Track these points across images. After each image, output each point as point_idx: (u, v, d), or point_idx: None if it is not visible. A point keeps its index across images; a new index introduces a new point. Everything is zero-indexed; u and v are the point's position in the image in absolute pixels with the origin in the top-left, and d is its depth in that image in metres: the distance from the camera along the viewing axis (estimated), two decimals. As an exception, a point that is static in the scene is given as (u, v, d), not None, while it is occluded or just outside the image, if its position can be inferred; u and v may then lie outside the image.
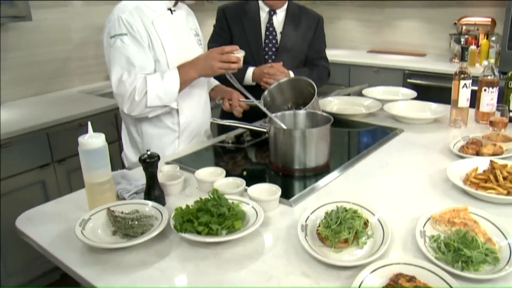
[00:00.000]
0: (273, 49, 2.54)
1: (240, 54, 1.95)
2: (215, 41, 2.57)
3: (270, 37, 2.54)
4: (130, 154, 2.13)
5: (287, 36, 2.54)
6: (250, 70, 2.49)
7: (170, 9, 2.03)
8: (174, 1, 2.03)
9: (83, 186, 1.51)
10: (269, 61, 2.53)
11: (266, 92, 2.14)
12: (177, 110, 2.04)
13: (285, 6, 2.57)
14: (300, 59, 2.61)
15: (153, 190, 1.49)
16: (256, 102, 1.97)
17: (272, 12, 2.55)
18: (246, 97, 2.03)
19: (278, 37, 2.54)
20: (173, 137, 2.08)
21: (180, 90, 1.94)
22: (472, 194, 1.53)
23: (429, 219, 1.33)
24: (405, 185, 1.65)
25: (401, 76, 4.41)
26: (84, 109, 3.12)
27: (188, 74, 1.94)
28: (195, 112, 2.12)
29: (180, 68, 1.95)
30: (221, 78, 2.22)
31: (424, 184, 1.65)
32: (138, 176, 1.66)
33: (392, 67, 4.47)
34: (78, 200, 1.58)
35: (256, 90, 2.32)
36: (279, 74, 2.36)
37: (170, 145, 2.09)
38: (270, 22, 2.54)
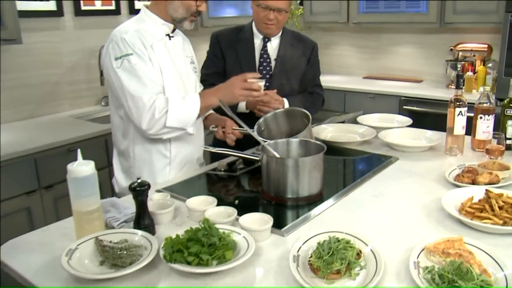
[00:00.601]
0: (267, 76, 2.57)
1: (261, 82, 2.03)
2: (208, 67, 2.61)
3: (264, 63, 2.57)
4: (121, 180, 2.15)
5: (281, 62, 2.58)
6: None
7: (168, 35, 2.07)
8: (172, 27, 2.08)
9: (70, 214, 1.51)
10: (263, 88, 2.54)
11: (261, 120, 2.17)
12: (170, 139, 2.06)
13: (280, 33, 2.61)
14: (294, 86, 2.64)
15: (143, 219, 1.50)
16: (249, 130, 1.99)
17: (266, 39, 2.59)
18: (240, 125, 2.05)
19: (273, 64, 2.58)
20: (164, 163, 2.10)
21: (199, 115, 2.00)
22: (468, 224, 1.55)
23: (423, 249, 1.35)
24: (399, 215, 1.66)
25: (397, 103, 4.45)
26: (73, 134, 3.14)
27: (209, 99, 2.00)
28: (187, 139, 2.14)
29: (202, 93, 2.01)
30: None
31: (418, 214, 1.67)
32: (128, 204, 1.67)
33: (388, 93, 4.51)
34: (65, 228, 1.58)
35: (249, 118, 2.34)
36: (273, 102, 2.39)
37: (161, 171, 2.10)
38: (264, 48, 2.58)
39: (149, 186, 1.49)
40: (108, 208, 1.65)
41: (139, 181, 1.49)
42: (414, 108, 4.34)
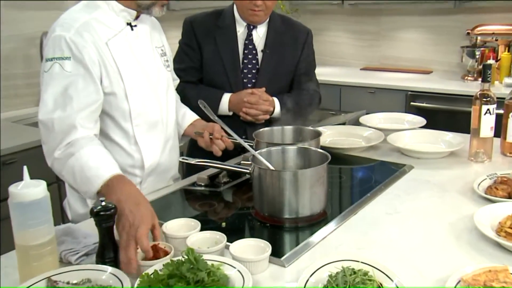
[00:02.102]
0: (253, 71, 2.56)
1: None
2: (181, 61, 2.58)
3: (250, 56, 2.56)
4: (75, 203, 2.07)
5: (269, 54, 2.57)
6: (226, 97, 2.51)
7: (130, 24, 1.99)
8: (135, 14, 1.99)
9: (12, 248, 1.46)
10: (249, 85, 2.55)
11: (260, 131, 2.18)
12: (140, 151, 2.01)
13: (267, 19, 2.59)
14: (285, 83, 2.64)
15: (109, 251, 1.45)
16: (237, 137, 1.98)
17: (251, 27, 2.57)
18: (226, 132, 2.04)
19: (259, 56, 2.57)
20: (133, 180, 2.02)
21: (97, 197, 1.69)
22: (509, 249, 1.53)
23: (459, 281, 1.33)
24: (422, 237, 1.65)
25: (403, 99, 4.49)
26: (9, 142, 3.04)
27: (109, 195, 1.59)
28: (161, 153, 2.09)
29: (113, 182, 1.66)
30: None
31: (445, 235, 1.65)
32: (89, 232, 1.62)
33: (391, 88, 4.55)
34: (4, 267, 1.52)
35: (233, 121, 2.33)
36: (262, 103, 2.38)
37: None
38: (249, 38, 2.56)
39: (115, 209, 1.45)
40: (62, 238, 1.60)
41: (103, 203, 1.44)
42: (423, 104, 4.38)
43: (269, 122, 2.52)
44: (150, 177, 2.08)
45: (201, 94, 2.42)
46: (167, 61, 2.16)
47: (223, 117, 2.34)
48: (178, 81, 2.38)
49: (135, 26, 2.01)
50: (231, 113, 2.50)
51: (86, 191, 1.72)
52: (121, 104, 1.92)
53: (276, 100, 2.50)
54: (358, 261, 1.39)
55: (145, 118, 2.00)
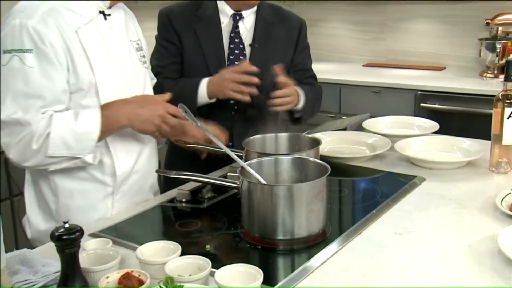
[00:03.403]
0: None
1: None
2: (161, 58, 2.58)
3: (236, 51, 2.56)
4: (36, 220, 2.08)
5: (259, 49, 2.58)
6: (205, 81, 2.47)
7: (103, 12, 2.00)
8: (109, 2, 2.01)
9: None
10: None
11: (250, 140, 2.17)
12: (111, 156, 2.02)
13: (255, 7, 2.60)
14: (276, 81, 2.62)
15: (73, 281, 1.44)
16: (222, 146, 1.96)
17: (237, 17, 2.58)
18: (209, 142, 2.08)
19: (247, 51, 2.58)
20: (103, 193, 2.06)
21: (102, 137, 1.93)
22: (540, 276, 1.53)
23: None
24: (437, 261, 1.65)
25: (412, 99, 4.51)
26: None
27: (116, 118, 1.95)
28: (137, 158, 2.11)
29: (106, 106, 1.93)
30: None
31: (464, 260, 1.65)
32: (49, 260, 1.60)
33: (399, 87, 4.57)
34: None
35: (218, 111, 2.38)
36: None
37: (100, 205, 2.06)
38: (235, 31, 2.57)
39: (81, 232, 1.44)
40: (16, 267, 1.58)
41: (66, 225, 1.43)
42: (436, 106, 4.40)
43: (291, 119, 2.58)
44: (123, 187, 2.09)
45: (178, 84, 2.46)
46: (143, 56, 2.18)
47: (207, 119, 2.35)
48: (155, 80, 2.40)
49: (109, 15, 2.02)
50: (213, 100, 2.47)
51: (86, 147, 1.89)
52: (90, 102, 1.93)
53: (301, 91, 2.54)
54: (364, 290, 1.39)
55: None
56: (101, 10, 2.00)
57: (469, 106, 4.23)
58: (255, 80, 2.39)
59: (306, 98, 2.58)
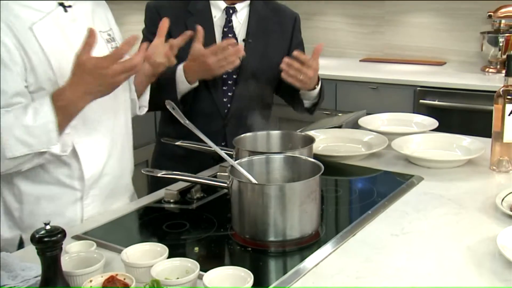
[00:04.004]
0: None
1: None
2: None
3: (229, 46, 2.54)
4: (1, 227, 2.02)
5: (253, 44, 2.58)
6: (181, 65, 2.42)
7: (62, 4, 1.95)
8: None
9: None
10: (229, 82, 2.55)
11: (241, 138, 2.18)
12: (78, 158, 1.98)
13: (248, 0, 2.61)
14: (273, 77, 2.64)
15: (54, 286, 1.43)
16: (211, 144, 1.97)
17: (230, 10, 2.58)
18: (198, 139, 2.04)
19: (241, 47, 2.52)
20: (71, 198, 2.03)
21: (63, 125, 1.86)
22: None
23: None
24: (435, 264, 1.65)
25: (411, 95, 4.52)
26: None
27: (75, 106, 1.85)
28: (106, 159, 2.07)
29: (58, 92, 1.84)
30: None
31: (463, 262, 1.65)
32: (28, 264, 1.59)
33: (397, 83, 4.59)
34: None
35: (210, 124, 2.37)
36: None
37: (68, 211, 2.02)
38: (228, 25, 2.57)
39: (63, 234, 1.44)
40: (-7, 272, 1.58)
41: (48, 227, 1.43)
42: (435, 102, 4.42)
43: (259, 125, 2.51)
44: (93, 191, 2.06)
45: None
46: (116, 48, 2.09)
47: (197, 117, 2.36)
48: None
49: (69, 6, 1.96)
50: (195, 84, 2.44)
51: (47, 139, 1.81)
52: None
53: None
54: (357, 293, 1.40)
55: (84, 118, 1.96)
56: (60, 2, 1.94)
57: (470, 103, 4.24)
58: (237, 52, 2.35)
59: (321, 87, 2.64)
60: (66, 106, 1.82)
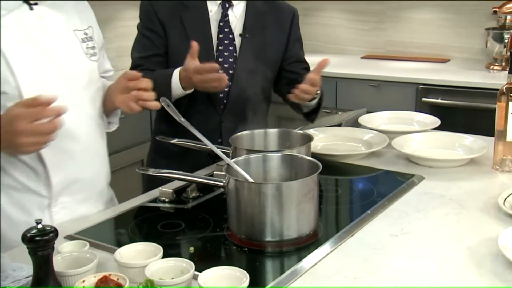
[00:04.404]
0: (231, 60, 2.58)
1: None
2: (143, 49, 2.58)
3: (226, 41, 2.57)
4: None
5: (250, 40, 2.59)
6: (177, 71, 2.42)
7: (27, 2, 1.89)
8: None
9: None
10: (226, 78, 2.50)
11: (238, 136, 2.18)
12: (44, 163, 1.94)
13: (245, -5, 2.62)
14: (270, 74, 2.66)
15: (46, 286, 1.43)
16: (207, 142, 1.98)
17: (227, 4, 2.58)
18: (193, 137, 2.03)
19: (237, 42, 2.59)
20: (38, 205, 1.98)
21: None
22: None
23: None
24: (434, 264, 1.66)
25: (413, 93, 4.52)
26: None
27: None
28: (77, 164, 2.02)
29: None
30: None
31: (463, 263, 1.66)
32: (20, 264, 1.59)
33: (399, 80, 4.59)
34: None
35: (206, 121, 2.39)
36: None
37: (35, 218, 1.93)
38: (224, 19, 2.58)
39: (56, 233, 1.44)
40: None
41: (39, 226, 1.43)
42: (438, 101, 4.41)
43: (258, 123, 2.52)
44: (62, 197, 2.02)
45: (154, 73, 2.42)
46: (92, 48, 2.09)
47: (193, 113, 2.38)
48: (112, 72, 2.33)
49: (35, 4, 1.91)
50: (189, 91, 2.44)
51: None
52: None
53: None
54: (355, 293, 1.41)
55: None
56: None
57: (474, 101, 4.23)
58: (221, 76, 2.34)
59: (321, 96, 2.66)
60: None
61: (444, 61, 5.07)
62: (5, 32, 1.82)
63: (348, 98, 4.76)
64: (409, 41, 5.33)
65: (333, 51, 5.63)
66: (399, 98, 4.52)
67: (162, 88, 2.13)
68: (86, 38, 2.08)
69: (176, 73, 2.42)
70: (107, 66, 2.30)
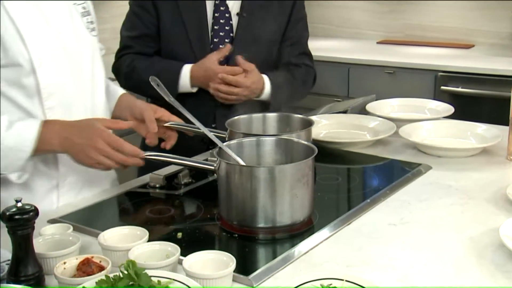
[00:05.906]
0: (227, 41, 2.61)
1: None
2: (132, 27, 2.62)
3: (222, 21, 2.60)
4: None
5: (247, 19, 2.61)
6: (187, 69, 2.52)
7: None
8: None
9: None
10: (221, 59, 2.55)
11: (234, 120, 2.22)
12: None
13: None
14: (268, 56, 2.69)
15: (25, 267, 1.47)
16: (200, 125, 2.02)
17: (223, -18, 2.60)
18: (186, 120, 2.09)
19: (234, 21, 2.61)
20: (47, 186, 2.07)
21: (33, 155, 1.91)
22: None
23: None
24: (432, 253, 1.70)
25: (432, 81, 4.55)
26: None
27: (49, 141, 1.90)
28: None
29: (47, 125, 1.91)
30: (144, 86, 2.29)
31: (463, 252, 1.70)
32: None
33: (417, 67, 4.61)
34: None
35: (199, 102, 2.46)
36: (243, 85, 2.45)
37: (43, 200, 2.04)
38: (220, -2, 2.60)
39: (36, 212, 1.48)
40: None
41: (19, 204, 1.47)
42: (459, 89, 4.42)
43: (254, 107, 2.56)
44: (70, 178, 2.09)
45: (155, 66, 2.49)
46: (91, 22, 2.15)
47: (186, 97, 2.44)
48: (104, 51, 2.35)
49: None
50: (195, 90, 2.54)
51: (12, 164, 1.88)
52: (25, 80, 1.92)
53: (266, 77, 2.57)
54: (342, 280, 1.44)
55: (61, 99, 2.00)
56: None
57: (500, 90, 4.16)
58: (244, 82, 2.45)
59: (272, 85, 2.62)
60: (43, 134, 1.89)
61: (467, 46, 5.07)
62: (15, 4, 1.88)
63: (361, 85, 4.75)
64: (429, 25, 5.31)
65: (347, 35, 5.61)
66: (415, 86, 4.53)
67: (167, 84, 2.15)
68: (85, 12, 2.13)
69: (186, 70, 2.51)
70: (100, 45, 2.32)
